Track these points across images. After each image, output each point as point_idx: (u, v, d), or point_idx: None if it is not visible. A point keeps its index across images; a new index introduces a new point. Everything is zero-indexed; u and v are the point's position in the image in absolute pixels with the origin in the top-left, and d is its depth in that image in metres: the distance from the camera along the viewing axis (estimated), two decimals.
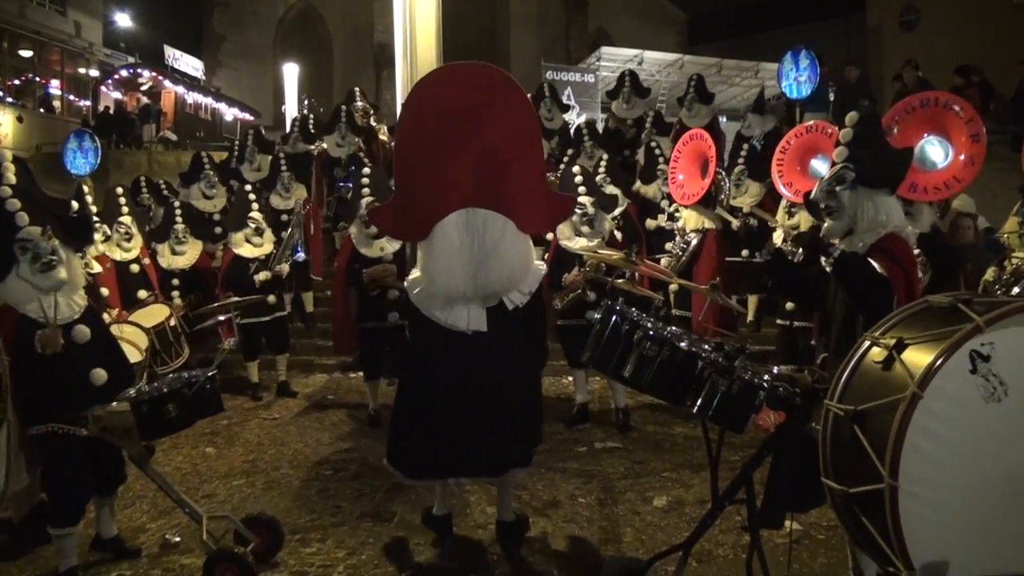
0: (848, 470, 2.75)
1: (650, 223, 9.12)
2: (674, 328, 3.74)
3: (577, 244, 6.85)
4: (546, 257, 7.11)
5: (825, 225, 4.06)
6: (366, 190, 7.45)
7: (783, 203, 7.64)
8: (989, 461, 2.54)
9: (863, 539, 2.78)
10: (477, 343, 4.49)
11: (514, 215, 4.44)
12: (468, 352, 4.49)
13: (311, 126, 13.05)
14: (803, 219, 7.22)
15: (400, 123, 4.66)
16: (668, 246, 8.30)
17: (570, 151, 10.29)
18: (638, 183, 9.82)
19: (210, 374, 4.45)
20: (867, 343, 2.87)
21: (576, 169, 7.20)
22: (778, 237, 7.30)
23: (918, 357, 2.58)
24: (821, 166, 6.49)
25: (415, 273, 4.69)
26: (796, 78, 11.00)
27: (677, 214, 7.75)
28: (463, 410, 4.50)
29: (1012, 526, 2.58)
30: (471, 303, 4.46)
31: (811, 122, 7.46)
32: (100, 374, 4.39)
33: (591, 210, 6.89)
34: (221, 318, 7.05)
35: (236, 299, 7.34)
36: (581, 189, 6.91)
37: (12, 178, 4.33)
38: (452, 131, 4.36)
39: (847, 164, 3.96)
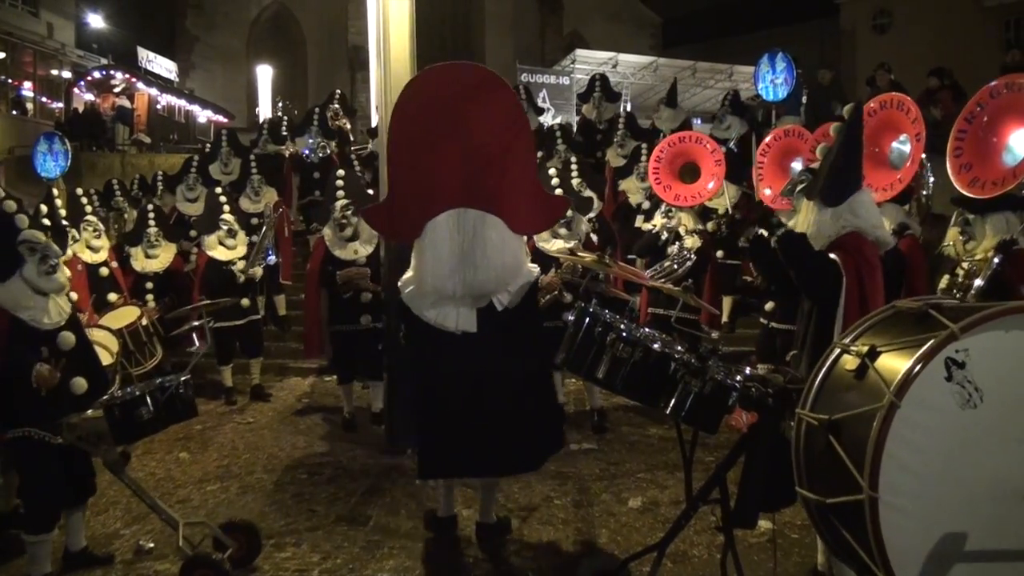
0: (824, 480, 2.75)
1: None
2: (647, 329, 3.75)
3: (554, 246, 6.81)
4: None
5: (789, 223, 4.12)
6: (340, 192, 7.41)
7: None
8: (967, 468, 2.53)
9: (840, 549, 2.77)
10: (467, 343, 4.48)
11: (505, 215, 4.44)
12: (459, 352, 4.50)
13: (284, 128, 13.02)
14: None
15: (391, 123, 4.65)
16: (670, 251, 8.14)
17: (540, 153, 10.27)
18: (626, 181, 9.70)
19: (183, 378, 4.46)
20: (837, 351, 2.88)
21: (552, 171, 7.16)
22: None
23: (893, 365, 2.58)
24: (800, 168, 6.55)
25: (408, 273, 4.68)
26: (772, 80, 11.10)
27: (671, 213, 7.71)
28: (462, 410, 4.50)
29: (993, 532, 2.57)
30: (460, 303, 4.45)
31: (788, 126, 7.48)
32: (80, 383, 4.34)
33: (568, 212, 6.87)
34: (196, 323, 6.97)
35: (208, 302, 7.28)
36: (558, 192, 6.90)
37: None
38: (441, 130, 4.37)
39: (806, 172, 4.08)
